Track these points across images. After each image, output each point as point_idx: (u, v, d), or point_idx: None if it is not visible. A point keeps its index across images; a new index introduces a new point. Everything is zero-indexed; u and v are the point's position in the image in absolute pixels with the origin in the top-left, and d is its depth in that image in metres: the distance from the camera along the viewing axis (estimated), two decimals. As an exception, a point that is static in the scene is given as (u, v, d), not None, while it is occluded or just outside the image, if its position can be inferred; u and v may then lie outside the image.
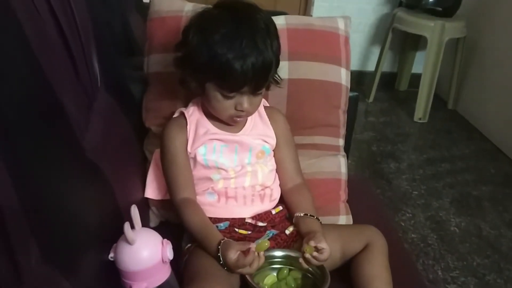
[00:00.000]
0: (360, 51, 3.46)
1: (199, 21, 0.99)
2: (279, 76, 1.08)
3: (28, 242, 0.61)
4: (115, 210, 0.93)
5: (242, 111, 1.00)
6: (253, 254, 0.89)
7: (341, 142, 1.27)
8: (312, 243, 0.94)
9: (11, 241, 0.58)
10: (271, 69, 0.98)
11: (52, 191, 0.72)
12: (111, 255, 0.81)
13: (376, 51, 3.40)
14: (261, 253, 0.91)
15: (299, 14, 3.05)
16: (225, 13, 0.97)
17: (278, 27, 1.16)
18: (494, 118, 2.94)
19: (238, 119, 1.03)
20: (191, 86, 1.04)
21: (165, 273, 0.83)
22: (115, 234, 0.83)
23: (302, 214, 1.05)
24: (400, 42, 3.44)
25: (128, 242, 0.78)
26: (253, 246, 0.90)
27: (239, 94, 0.98)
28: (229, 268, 0.92)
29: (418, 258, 1.96)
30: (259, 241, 1.01)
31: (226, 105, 1.00)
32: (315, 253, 0.94)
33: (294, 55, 1.19)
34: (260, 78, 0.97)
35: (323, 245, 0.94)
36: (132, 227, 0.80)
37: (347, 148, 1.33)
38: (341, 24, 1.25)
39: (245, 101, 0.99)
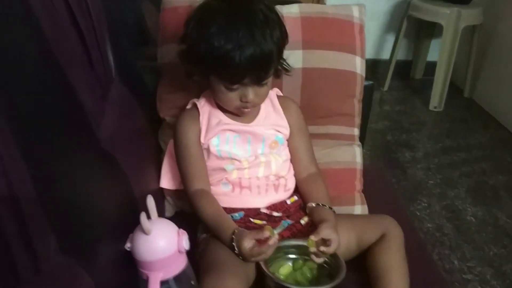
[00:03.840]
0: (374, 39, 3.42)
1: (198, 14, 0.99)
2: (287, 64, 1.07)
3: (46, 232, 0.62)
4: (130, 200, 0.94)
5: (247, 102, 1.00)
6: (268, 243, 0.89)
7: (356, 131, 1.26)
8: (313, 237, 0.93)
9: (29, 231, 0.58)
10: (272, 59, 0.97)
11: (69, 181, 0.72)
12: (128, 245, 0.81)
13: (390, 39, 3.37)
14: (274, 241, 0.90)
15: (313, 2, 3.02)
16: (223, 5, 0.97)
17: (291, 15, 1.16)
18: (511, 106, 2.89)
19: (245, 110, 1.03)
20: (197, 79, 1.04)
21: (181, 263, 0.84)
22: (131, 224, 0.84)
23: (314, 204, 1.05)
24: (415, 29, 3.40)
25: (145, 232, 0.79)
26: (266, 233, 0.90)
27: (242, 86, 0.98)
28: (244, 257, 0.92)
29: (433, 248, 1.94)
30: (274, 231, 1.01)
31: (231, 97, 1.00)
32: (322, 247, 0.93)
33: (308, 44, 1.18)
34: (260, 69, 0.97)
35: (330, 235, 0.93)
36: (148, 217, 0.81)
37: (362, 138, 1.32)
38: (355, 12, 1.23)
39: (249, 93, 0.98)
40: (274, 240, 0.90)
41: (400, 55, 3.34)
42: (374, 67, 3.34)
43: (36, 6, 0.73)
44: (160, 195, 1.16)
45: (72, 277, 0.65)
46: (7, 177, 0.56)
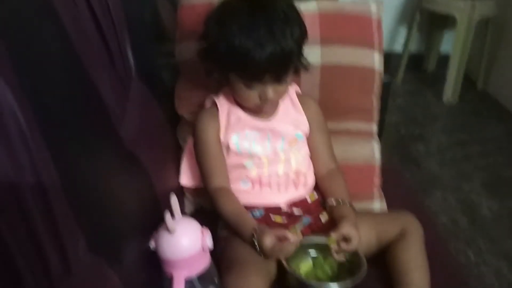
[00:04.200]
0: (387, 32, 3.40)
1: (218, 12, 1.00)
2: (307, 61, 1.07)
3: (76, 232, 0.62)
4: (153, 198, 0.94)
5: (267, 100, 1.00)
6: (289, 240, 0.90)
7: (374, 127, 1.26)
8: (333, 235, 0.94)
9: (60, 231, 0.59)
10: (291, 57, 0.97)
11: (94, 181, 0.73)
12: (152, 243, 0.82)
13: (403, 31, 3.35)
14: (296, 238, 0.91)
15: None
16: (243, 3, 0.97)
17: (309, 12, 1.16)
18: (525, 99, 2.87)
19: (264, 107, 1.03)
20: (216, 77, 1.04)
21: (205, 261, 0.84)
22: (154, 223, 0.84)
23: (334, 201, 1.05)
24: (428, 22, 3.37)
25: (169, 231, 0.79)
26: (289, 234, 0.90)
27: (262, 84, 0.98)
28: (265, 254, 0.92)
29: (449, 242, 1.94)
30: (296, 227, 1.01)
31: (250, 95, 1.00)
32: (342, 244, 0.94)
33: (327, 41, 1.18)
34: (280, 67, 0.97)
35: (350, 232, 0.94)
36: (172, 215, 0.81)
37: (379, 133, 1.31)
38: (373, 8, 1.23)
39: (269, 90, 0.99)
40: (295, 238, 0.90)
41: (413, 47, 3.32)
42: (387, 59, 3.29)
43: (59, 6, 0.74)
44: (180, 192, 1.17)
45: (101, 276, 0.66)
46: (38, 179, 0.57)
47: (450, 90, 3.04)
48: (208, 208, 1.13)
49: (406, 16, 3.34)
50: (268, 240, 0.91)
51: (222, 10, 0.99)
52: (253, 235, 0.94)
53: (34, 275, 0.54)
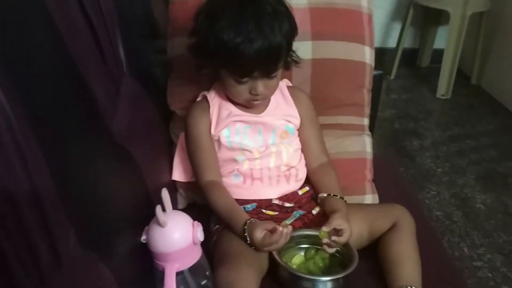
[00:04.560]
0: (380, 28, 3.40)
1: (208, 8, 1.00)
2: (297, 56, 1.08)
3: (66, 226, 0.62)
4: (145, 193, 0.95)
5: (257, 94, 1.00)
6: (280, 232, 0.91)
7: (365, 121, 1.27)
8: (325, 228, 0.94)
9: (50, 225, 0.59)
10: (280, 52, 0.98)
11: (85, 175, 0.73)
12: (144, 237, 0.82)
13: (397, 27, 3.35)
14: (287, 231, 0.92)
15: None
16: None
17: (300, 6, 1.17)
18: (519, 93, 2.88)
19: (255, 102, 1.04)
20: (207, 72, 1.04)
21: (196, 254, 0.85)
22: (146, 217, 0.85)
23: (326, 194, 1.06)
24: (422, 17, 3.37)
25: (160, 224, 0.80)
26: (279, 227, 0.91)
27: (252, 79, 0.99)
28: (256, 247, 0.93)
29: (443, 236, 1.95)
30: (287, 221, 1.02)
31: (240, 90, 1.01)
32: (334, 237, 0.94)
33: (317, 35, 1.19)
34: (269, 62, 0.97)
35: (342, 225, 0.95)
36: (163, 210, 0.82)
37: (371, 127, 1.32)
38: (364, 2, 1.23)
39: (259, 85, 0.99)
40: (286, 230, 0.91)
41: (407, 43, 3.33)
42: (380, 55, 3.29)
43: (48, 2, 0.74)
44: (172, 187, 1.17)
45: (92, 270, 0.66)
46: (28, 171, 0.57)
47: (444, 85, 3.05)
48: (201, 203, 1.14)
49: (400, 12, 3.34)
50: (259, 233, 0.92)
51: (211, 5, 1.00)
52: (244, 228, 0.94)
53: (24, 268, 0.54)
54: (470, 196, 2.21)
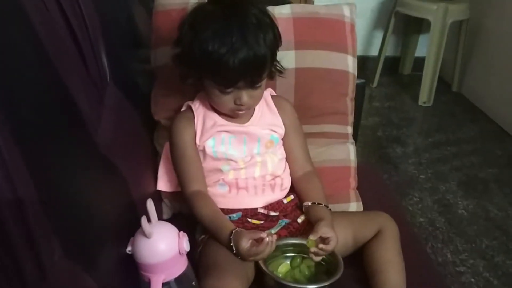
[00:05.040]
0: (363, 36, 3.44)
1: (192, 18, 1.00)
2: (281, 66, 1.08)
3: (50, 238, 0.62)
4: (130, 203, 0.94)
5: (241, 105, 1.01)
6: (265, 243, 0.90)
7: (349, 129, 1.28)
8: (311, 237, 0.95)
9: (34, 238, 0.59)
10: (265, 62, 0.98)
11: (69, 187, 0.73)
12: (129, 248, 0.82)
13: (379, 35, 3.39)
14: (271, 239, 0.91)
15: (300, 2, 3.03)
16: (217, 9, 0.97)
17: (283, 16, 1.18)
18: (498, 100, 2.93)
19: (239, 112, 1.04)
20: (191, 82, 1.05)
21: (182, 264, 0.85)
22: (131, 228, 0.85)
23: (310, 203, 1.06)
24: (403, 25, 3.43)
25: (145, 235, 0.79)
26: (264, 234, 0.91)
27: (236, 89, 0.99)
28: (242, 256, 0.93)
29: (426, 242, 1.97)
30: (272, 230, 1.02)
31: (225, 100, 1.01)
32: (321, 245, 0.95)
33: (301, 44, 1.20)
34: (254, 73, 0.98)
35: (328, 233, 0.95)
36: (149, 220, 0.81)
37: (354, 135, 1.33)
38: (346, 12, 1.24)
39: (243, 95, 1.00)
40: (270, 238, 0.91)
41: (389, 51, 3.37)
42: (363, 63, 3.36)
43: (31, 13, 0.74)
44: (157, 197, 1.17)
45: (77, 282, 0.66)
46: (11, 183, 0.57)
47: (426, 92, 3.09)
48: (186, 213, 1.13)
49: (382, 20, 3.38)
50: (245, 242, 0.92)
51: (195, 15, 1.00)
52: (230, 238, 0.94)
53: (8, 280, 0.54)
54: (453, 202, 2.23)
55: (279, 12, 1.18)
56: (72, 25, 0.88)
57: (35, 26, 0.74)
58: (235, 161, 1.06)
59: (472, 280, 1.80)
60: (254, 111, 1.10)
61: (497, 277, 1.81)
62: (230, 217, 1.03)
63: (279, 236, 1.02)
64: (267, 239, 0.90)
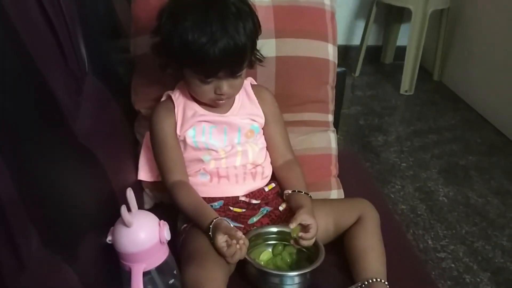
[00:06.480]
0: (344, 25, 3.45)
1: (171, 7, 0.99)
2: (261, 55, 1.08)
3: (28, 229, 0.62)
4: (110, 193, 0.94)
5: (222, 94, 1.00)
6: (234, 246, 0.89)
7: (330, 117, 1.28)
8: (291, 225, 0.95)
9: (11, 228, 0.58)
10: (245, 52, 0.98)
11: (47, 177, 0.72)
12: (109, 238, 0.82)
13: (361, 24, 3.40)
14: (241, 247, 0.90)
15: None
16: None
17: (264, 4, 1.17)
18: (479, 88, 2.96)
19: (220, 102, 1.04)
20: (171, 72, 1.04)
21: (163, 253, 0.85)
22: (111, 217, 0.84)
23: (291, 191, 1.07)
24: (385, 15, 3.44)
25: (126, 224, 0.79)
26: (239, 234, 0.90)
27: (217, 79, 0.99)
28: (215, 248, 0.92)
29: (408, 229, 1.99)
30: (254, 218, 1.03)
31: (205, 90, 1.01)
32: (301, 233, 0.95)
33: (281, 33, 1.19)
34: (234, 62, 0.98)
35: (308, 221, 0.96)
36: (129, 210, 0.81)
37: (336, 124, 1.34)
38: (326, 0, 1.25)
39: (224, 85, 0.99)
40: (242, 242, 0.90)
41: (371, 40, 3.37)
42: (345, 53, 3.37)
43: (6, 2, 0.72)
44: (138, 187, 1.16)
45: (56, 272, 0.66)
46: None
47: (407, 81, 3.11)
48: (167, 202, 1.13)
49: (363, 9, 3.39)
50: (220, 236, 0.90)
51: (175, 4, 0.99)
52: (209, 227, 0.94)
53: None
54: (434, 190, 2.26)
55: (260, 0, 1.18)
56: (49, 14, 0.87)
57: (10, 15, 0.72)
58: (216, 151, 1.06)
59: (453, 265, 1.83)
60: (234, 101, 1.10)
61: (477, 262, 1.84)
62: (212, 206, 1.03)
63: (261, 223, 1.03)
64: (237, 245, 0.89)
